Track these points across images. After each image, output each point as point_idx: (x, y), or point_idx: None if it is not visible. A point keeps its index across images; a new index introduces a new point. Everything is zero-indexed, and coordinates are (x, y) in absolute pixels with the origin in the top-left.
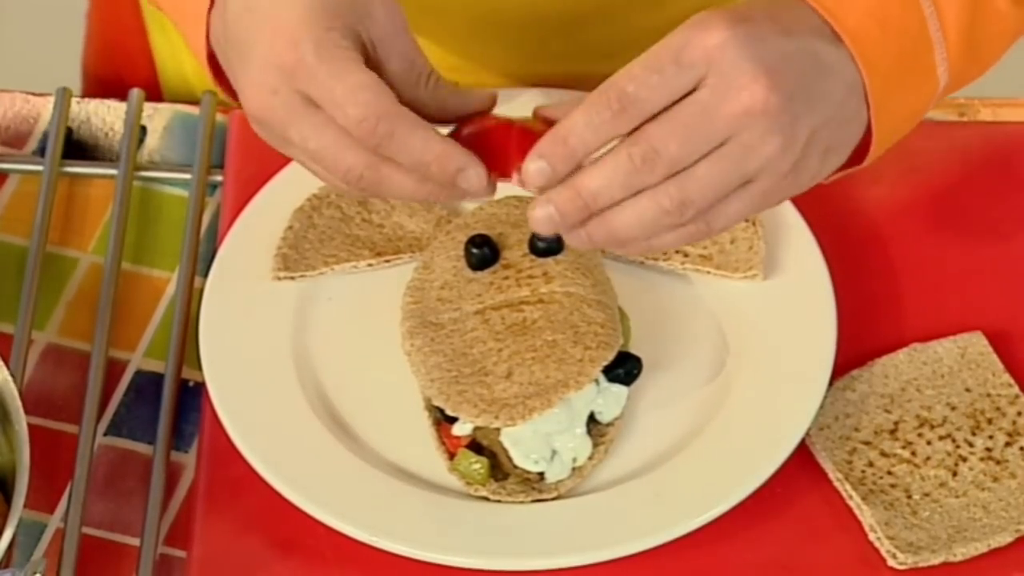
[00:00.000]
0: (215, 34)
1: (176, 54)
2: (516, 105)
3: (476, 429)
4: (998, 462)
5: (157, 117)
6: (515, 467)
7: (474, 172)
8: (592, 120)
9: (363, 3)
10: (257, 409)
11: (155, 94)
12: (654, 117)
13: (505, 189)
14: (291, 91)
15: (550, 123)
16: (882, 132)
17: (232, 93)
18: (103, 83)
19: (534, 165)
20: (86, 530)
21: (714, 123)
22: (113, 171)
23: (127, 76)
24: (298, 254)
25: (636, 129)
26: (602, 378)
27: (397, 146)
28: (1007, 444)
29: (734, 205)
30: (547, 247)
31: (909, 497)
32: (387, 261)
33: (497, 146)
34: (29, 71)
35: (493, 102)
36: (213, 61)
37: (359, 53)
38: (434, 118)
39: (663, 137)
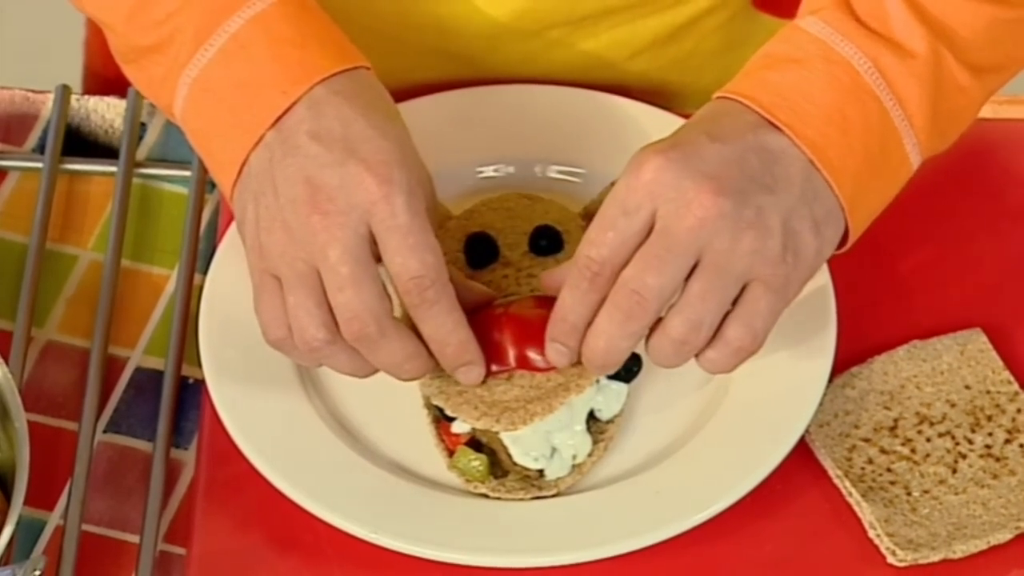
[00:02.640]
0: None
1: None
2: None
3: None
4: (998, 459)
5: (157, 114)
6: (515, 464)
7: (477, 371)
8: (576, 295)
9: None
10: (257, 406)
11: None
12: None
13: (504, 186)
14: (361, 222)
15: (542, 304)
16: (858, 221)
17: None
18: (104, 80)
19: (552, 349)
20: (86, 527)
21: (679, 244)
22: (113, 168)
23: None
24: None
25: None
26: (602, 376)
27: (433, 315)
28: (1007, 441)
29: (759, 304)
30: (547, 246)
31: (909, 494)
32: None
33: (494, 335)
34: (29, 69)
35: (491, 299)
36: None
37: None
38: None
39: (637, 276)
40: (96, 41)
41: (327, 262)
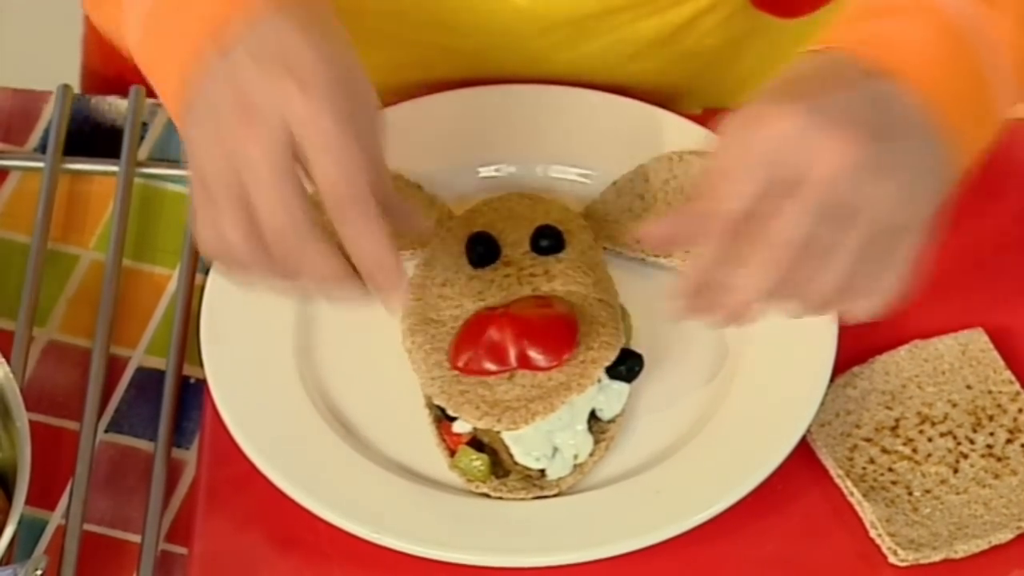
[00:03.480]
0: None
1: None
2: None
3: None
4: (999, 459)
5: (159, 114)
6: (516, 464)
7: (395, 298)
8: (720, 249)
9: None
10: (258, 406)
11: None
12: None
13: (505, 185)
14: (284, 131)
15: (542, 304)
16: (964, 161)
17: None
18: (103, 80)
19: (692, 307)
20: (87, 527)
21: (826, 193)
22: (114, 168)
23: (128, 73)
24: None
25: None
26: (603, 375)
27: (350, 225)
28: (1008, 441)
29: (888, 259)
30: (548, 245)
31: (910, 494)
32: None
33: (495, 335)
34: (30, 68)
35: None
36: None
37: None
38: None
39: (790, 227)
40: (94, 39)
41: (249, 171)
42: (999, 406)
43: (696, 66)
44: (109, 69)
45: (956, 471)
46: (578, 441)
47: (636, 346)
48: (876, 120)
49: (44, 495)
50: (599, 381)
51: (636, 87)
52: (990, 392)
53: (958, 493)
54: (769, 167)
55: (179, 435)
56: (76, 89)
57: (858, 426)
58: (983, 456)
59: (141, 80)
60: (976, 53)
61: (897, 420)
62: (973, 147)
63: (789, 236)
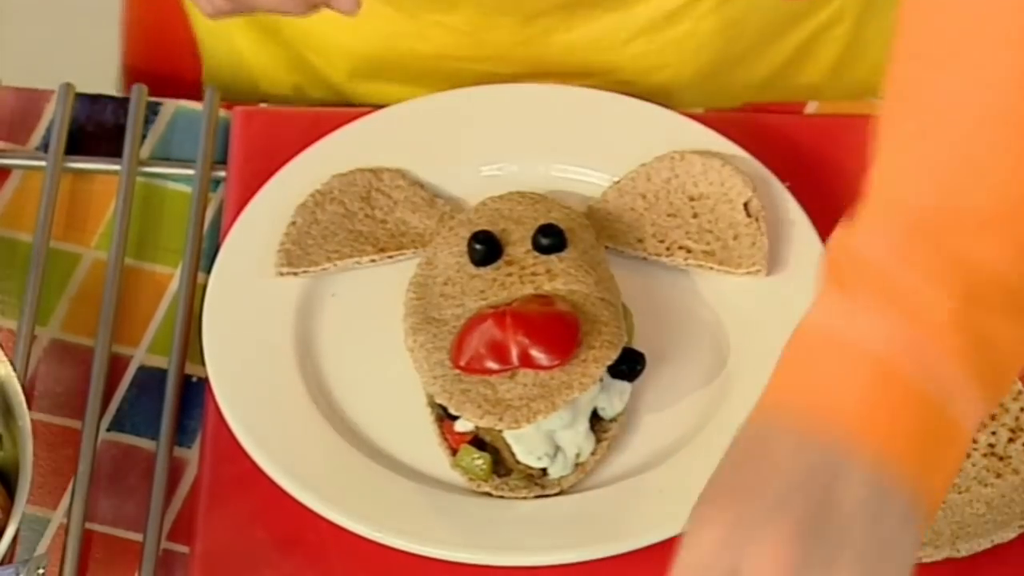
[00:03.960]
0: None
1: (226, 39)
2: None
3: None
4: (1001, 458)
5: (160, 113)
6: (518, 463)
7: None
8: None
9: None
10: (260, 405)
11: (198, 85)
12: None
13: (507, 184)
14: None
15: (544, 302)
16: (936, 496)
17: None
18: (145, 76)
19: None
20: (89, 526)
21: None
22: (116, 167)
23: (171, 68)
24: (301, 250)
25: None
26: (605, 374)
27: None
28: (1010, 440)
29: None
30: (551, 244)
31: None
32: (390, 257)
33: (496, 334)
34: (32, 67)
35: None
36: None
37: None
38: None
39: None
40: (135, 34)
41: None
42: (1001, 405)
43: (693, 47)
44: (151, 64)
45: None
46: (580, 440)
47: (638, 345)
48: (810, 509)
49: (46, 494)
50: (601, 380)
51: (633, 70)
52: None
53: (960, 492)
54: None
55: (181, 434)
56: (80, 88)
57: None
58: (985, 455)
59: (186, 74)
60: (916, 379)
61: None
62: (943, 475)
63: None
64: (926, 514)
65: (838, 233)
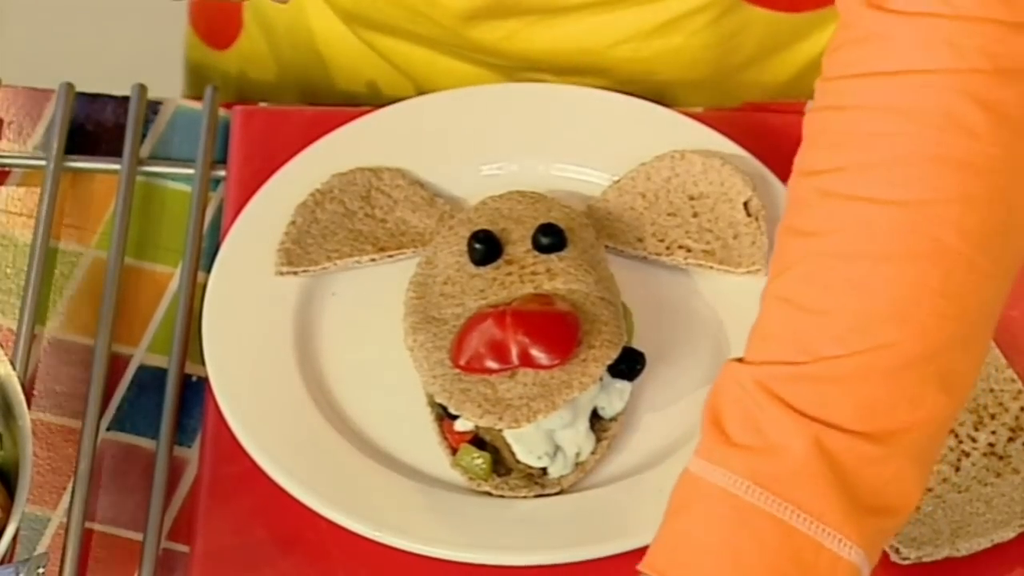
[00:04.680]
0: None
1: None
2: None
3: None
4: (1001, 457)
5: (160, 112)
6: (518, 462)
7: None
8: None
9: None
10: (260, 404)
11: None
12: None
13: (507, 184)
14: None
15: (544, 301)
16: None
17: None
18: (208, 80)
19: None
20: (89, 525)
21: None
22: (116, 166)
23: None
24: (301, 249)
25: None
26: (605, 374)
27: None
28: (1010, 439)
29: None
30: (550, 243)
31: None
32: (390, 256)
33: (496, 333)
34: (32, 66)
35: None
36: None
37: None
38: None
39: None
40: (195, 41)
41: None
42: (1001, 404)
43: (687, 60)
44: (212, 71)
45: (958, 469)
46: (580, 439)
47: (638, 344)
48: None
49: (46, 493)
50: (601, 379)
51: (622, 73)
52: (992, 390)
53: (960, 491)
54: None
55: (181, 433)
56: (82, 87)
57: None
58: (985, 454)
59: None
60: (771, 523)
61: None
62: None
63: None
64: None
65: (720, 377)
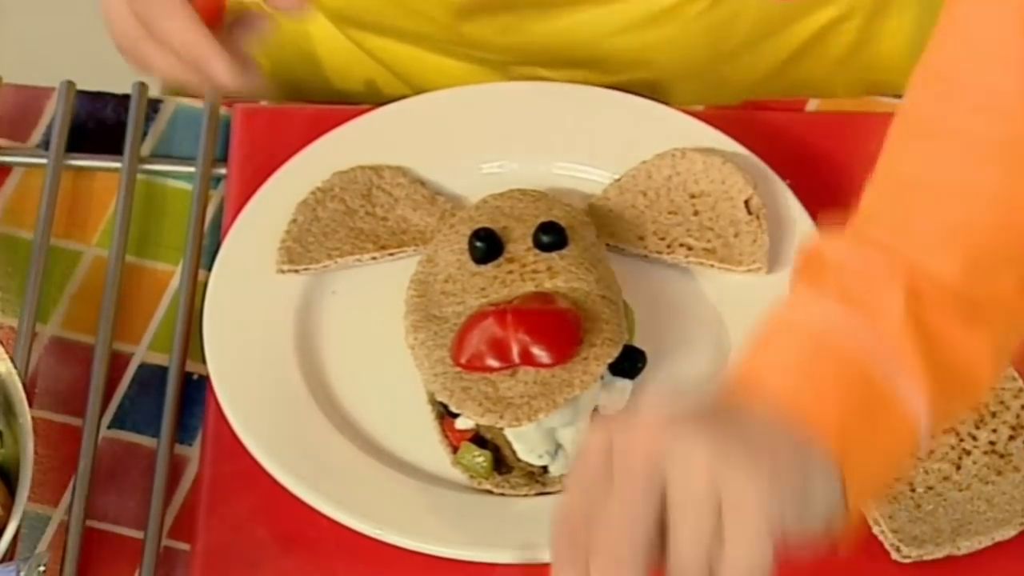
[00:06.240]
0: None
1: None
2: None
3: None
4: (1002, 456)
5: (161, 110)
6: (518, 461)
7: (215, 64)
8: (562, 568)
9: None
10: (261, 402)
11: None
12: None
13: (508, 182)
14: None
15: (545, 299)
16: (860, 488)
17: None
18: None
19: None
20: (90, 523)
21: (637, 476)
22: (117, 164)
23: None
24: (302, 247)
25: None
26: (606, 372)
27: (159, 22)
28: (1011, 438)
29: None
30: (551, 241)
31: (913, 490)
32: (391, 254)
33: (497, 332)
34: (33, 64)
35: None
36: None
37: None
38: None
39: (605, 528)
40: None
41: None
42: (1002, 403)
43: (684, 48)
44: None
45: (959, 468)
46: (581, 438)
47: (639, 343)
48: (739, 432)
49: (47, 491)
50: (602, 378)
51: (620, 63)
52: (992, 388)
53: (961, 490)
54: (589, 457)
55: (182, 431)
56: (81, 85)
57: None
58: (986, 453)
59: None
60: (853, 348)
61: None
62: (867, 457)
63: (602, 522)
64: (844, 477)
65: (809, 241)
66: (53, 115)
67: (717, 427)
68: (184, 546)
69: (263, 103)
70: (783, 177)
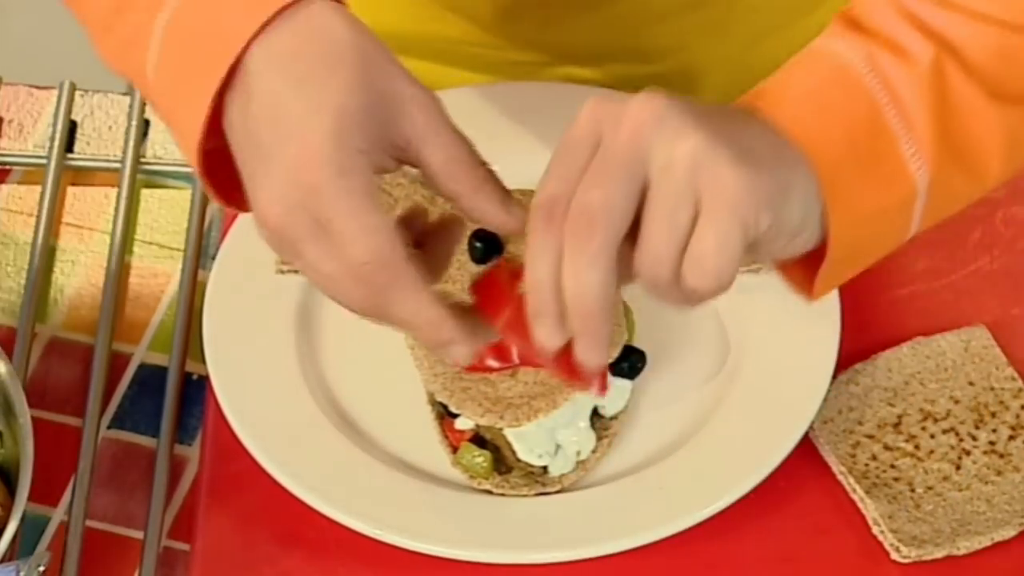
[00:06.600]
0: (231, 121)
1: None
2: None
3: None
4: (1001, 456)
5: None
6: (518, 461)
7: (459, 350)
8: (536, 243)
9: (395, 104)
10: (261, 402)
11: None
12: None
13: (508, 182)
14: (310, 212)
15: None
16: (842, 224)
17: (219, 186)
18: None
19: (537, 326)
20: (90, 523)
21: (617, 152)
22: (117, 164)
23: None
24: None
25: None
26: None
27: (392, 300)
28: (1010, 438)
29: (706, 232)
30: None
31: (912, 491)
32: None
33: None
34: (33, 65)
35: (522, 225)
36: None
37: (389, 164)
38: (469, 218)
39: (580, 195)
40: None
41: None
42: (1001, 403)
43: (718, 34)
44: None
45: (958, 468)
46: (581, 438)
47: (638, 343)
48: (709, 114)
49: (47, 492)
50: None
51: (656, 53)
52: (992, 389)
53: (960, 490)
54: (576, 144)
55: (181, 431)
56: (81, 85)
57: (860, 423)
58: (985, 453)
59: None
60: (867, 97)
61: (899, 417)
62: (856, 199)
63: (580, 204)
64: (826, 203)
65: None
66: (53, 115)
67: (710, 122)
68: (184, 546)
69: None
70: None
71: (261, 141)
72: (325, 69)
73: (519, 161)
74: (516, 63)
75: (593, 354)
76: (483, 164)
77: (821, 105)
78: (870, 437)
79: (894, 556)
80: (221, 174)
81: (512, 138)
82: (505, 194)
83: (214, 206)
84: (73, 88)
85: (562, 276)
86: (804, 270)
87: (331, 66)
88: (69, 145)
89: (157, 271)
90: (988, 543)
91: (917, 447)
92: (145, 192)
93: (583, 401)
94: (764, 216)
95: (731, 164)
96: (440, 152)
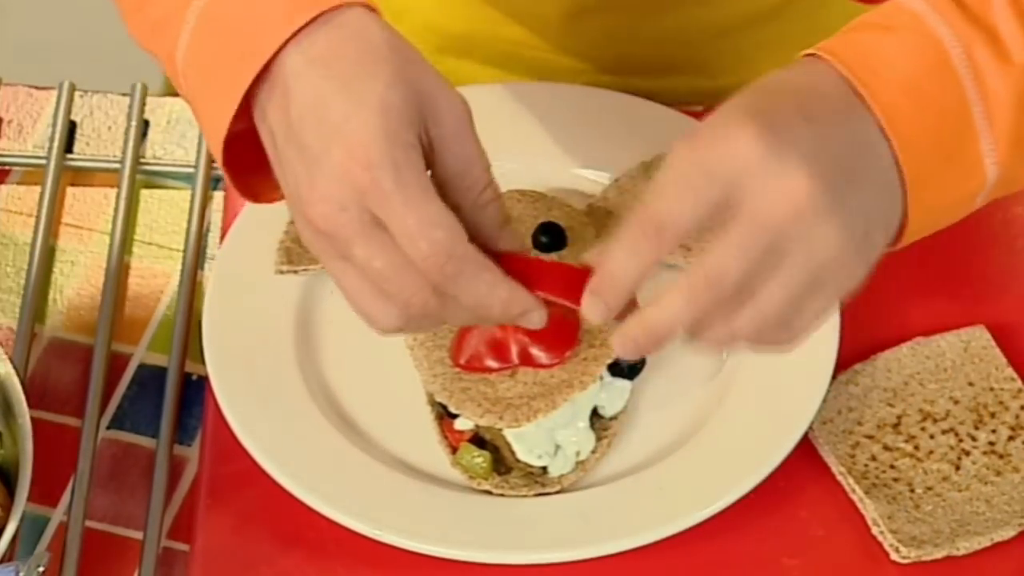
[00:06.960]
0: (264, 114)
1: None
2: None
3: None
4: (1001, 456)
5: (160, 111)
6: (518, 461)
7: (537, 315)
8: (633, 250)
9: (429, 103)
10: (260, 403)
11: None
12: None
13: (507, 182)
14: (361, 210)
15: (544, 301)
16: (919, 215)
17: (238, 176)
18: None
19: (589, 302)
20: (89, 524)
21: (766, 234)
22: (116, 165)
23: None
24: (301, 248)
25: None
26: (605, 373)
27: (462, 287)
28: (1010, 438)
29: (811, 305)
30: (550, 242)
31: (912, 491)
32: None
33: (496, 332)
34: (33, 65)
35: (523, 247)
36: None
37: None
38: (467, 232)
39: (721, 263)
40: None
41: (355, 259)
42: (1001, 403)
43: (781, 50)
44: None
45: (958, 468)
46: (580, 438)
47: None
48: (842, 163)
49: (46, 492)
50: (601, 378)
51: (718, 67)
52: (992, 389)
53: (960, 490)
54: (715, 180)
55: (181, 432)
56: (83, 87)
57: (860, 423)
58: (985, 453)
59: None
60: (959, 91)
61: (899, 417)
62: (934, 192)
63: (719, 271)
64: (919, 217)
65: None
66: (52, 115)
67: (815, 142)
68: (183, 547)
69: None
70: None
71: (305, 142)
72: (366, 68)
73: (538, 162)
74: (577, 71)
75: (626, 350)
76: (491, 183)
77: (920, 99)
78: (870, 437)
79: (894, 556)
80: (239, 160)
81: (535, 138)
82: (504, 218)
83: (213, 206)
84: (72, 88)
85: (660, 307)
86: None
87: (372, 65)
88: (68, 145)
89: (156, 271)
90: (988, 543)
91: (917, 447)
92: (144, 192)
93: (583, 401)
94: (860, 270)
95: (839, 229)
96: (456, 163)
